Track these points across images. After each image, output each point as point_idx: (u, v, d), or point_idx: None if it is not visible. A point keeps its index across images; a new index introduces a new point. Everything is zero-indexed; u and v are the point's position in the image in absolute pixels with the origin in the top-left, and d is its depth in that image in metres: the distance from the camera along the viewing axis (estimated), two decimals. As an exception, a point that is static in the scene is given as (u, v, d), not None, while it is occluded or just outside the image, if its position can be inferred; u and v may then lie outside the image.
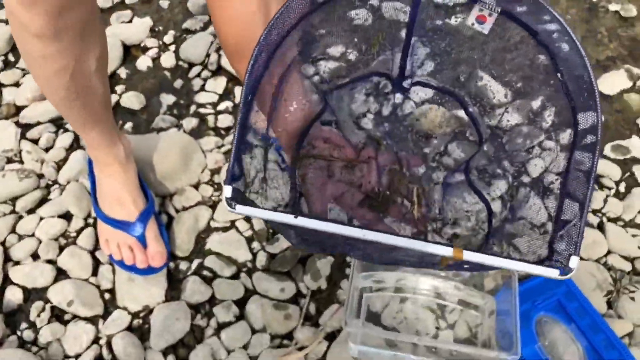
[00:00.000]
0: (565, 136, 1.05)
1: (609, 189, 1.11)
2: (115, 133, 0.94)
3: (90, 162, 1.02)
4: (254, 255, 1.01)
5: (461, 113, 1.09)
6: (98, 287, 0.98)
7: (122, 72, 1.27)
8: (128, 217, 0.96)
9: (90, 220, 1.04)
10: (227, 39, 0.68)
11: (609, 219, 1.06)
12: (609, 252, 1.01)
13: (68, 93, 0.78)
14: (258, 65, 0.62)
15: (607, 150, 1.17)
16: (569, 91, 0.81)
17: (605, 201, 1.08)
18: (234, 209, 0.56)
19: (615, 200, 1.09)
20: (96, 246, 1.02)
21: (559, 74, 0.79)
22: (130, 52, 1.31)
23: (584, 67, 0.70)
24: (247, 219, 1.04)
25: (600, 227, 1.05)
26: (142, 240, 0.96)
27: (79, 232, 1.03)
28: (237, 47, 0.67)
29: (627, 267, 1.00)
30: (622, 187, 1.11)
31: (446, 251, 0.56)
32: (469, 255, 0.57)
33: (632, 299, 0.91)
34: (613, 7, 1.42)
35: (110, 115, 0.91)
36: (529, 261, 0.59)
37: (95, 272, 0.99)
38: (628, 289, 0.92)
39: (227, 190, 0.57)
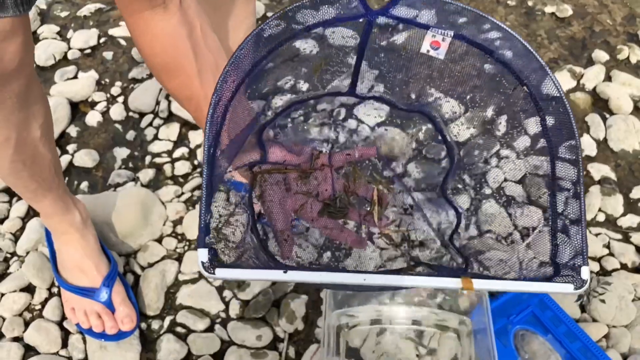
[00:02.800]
0: (522, 142, 1.07)
1: (568, 190, 1.13)
2: (68, 199, 0.91)
3: (47, 230, 1.00)
4: (227, 304, 0.99)
5: (417, 130, 1.10)
6: (70, 358, 0.95)
7: (72, 131, 1.24)
8: (92, 283, 0.94)
9: (55, 290, 1.01)
10: (154, 59, 0.65)
11: (571, 222, 1.08)
12: (575, 255, 1.03)
13: (14, 165, 0.76)
14: (217, 116, 0.60)
15: (562, 151, 1.19)
16: (533, 94, 0.81)
17: (565, 204, 1.10)
18: (214, 273, 0.49)
19: (575, 201, 1.10)
20: (64, 316, 0.99)
21: (517, 80, 0.79)
22: (78, 108, 1.29)
23: (540, 68, 0.71)
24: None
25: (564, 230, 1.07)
26: (109, 305, 0.93)
27: (43, 303, 1.00)
28: (165, 66, 0.65)
29: (595, 267, 1.02)
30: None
31: (455, 283, 0.53)
32: (479, 284, 0.54)
33: (603, 301, 0.93)
34: (549, 9, 1.46)
35: (62, 181, 0.89)
36: (539, 279, 0.59)
37: (65, 344, 0.96)
38: (597, 291, 0.94)
39: (203, 254, 0.50)
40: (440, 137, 0.92)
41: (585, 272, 0.57)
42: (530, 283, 0.57)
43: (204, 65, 0.65)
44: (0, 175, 0.81)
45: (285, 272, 0.50)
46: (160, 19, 0.61)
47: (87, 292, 0.93)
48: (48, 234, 1.00)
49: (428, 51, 0.85)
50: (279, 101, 1.00)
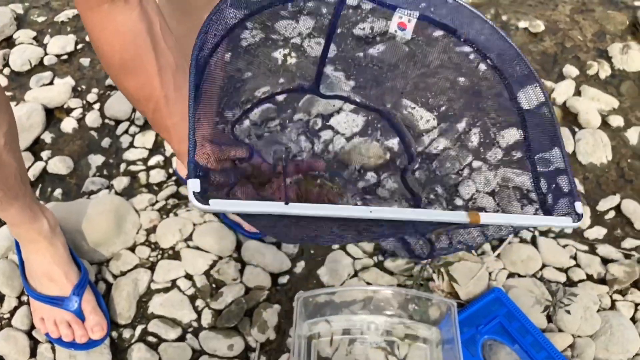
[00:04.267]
0: (495, 154, 1.09)
1: (538, 202, 1.15)
2: (36, 207, 0.90)
3: (16, 239, 0.99)
4: (199, 313, 0.99)
5: (391, 142, 1.11)
6: (38, 368, 0.94)
7: (47, 137, 1.24)
8: (61, 292, 0.93)
9: (24, 298, 1.00)
10: (112, 57, 0.63)
11: (541, 233, 1.11)
12: (543, 266, 1.05)
13: None
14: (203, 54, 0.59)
15: (532, 164, 1.22)
16: (515, 97, 0.83)
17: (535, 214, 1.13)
18: (207, 204, 0.45)
19: (545, 213, 1.13)
20: (33, 325, 0.98)
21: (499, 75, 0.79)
22: (53, 115, 1.28)
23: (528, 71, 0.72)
24: (188, 276, 1.03)
25: (534, 241, 1.09)
26: (79, 314, 0.93)
27: (12, 312, 0.99)
28: (124, 63, 0.63)
29: (562, 277, 1.04)
30: (549, 199, 1.16)
31: (462, 217, 0.53)
32: (486, 218, 0.54)
33: (568, 312, 0.95)
34: (522, 24, 1.49)
35: (29, 189, 0.88)
36: (540, 214, 0.63)
37: (34, 353, 0.95)
38: (563, 302, 0.96)
39: (194, 184, 0.46)
40: (407, 149, 0.93)
41: (579, 207, 0.59)
42: (533, 217, 0.61)
43: (164, 64, 0.63)
44: None
45: (286, 204, 0.46)
46: (119, 12, 0.59)
47: (56, 301, 0.93)
48: (17, 243, 0.99)
49: (395, 31, 0.86)
50: (257, 111, 1.00)
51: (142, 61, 0.62)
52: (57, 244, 0.94)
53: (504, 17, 1.52)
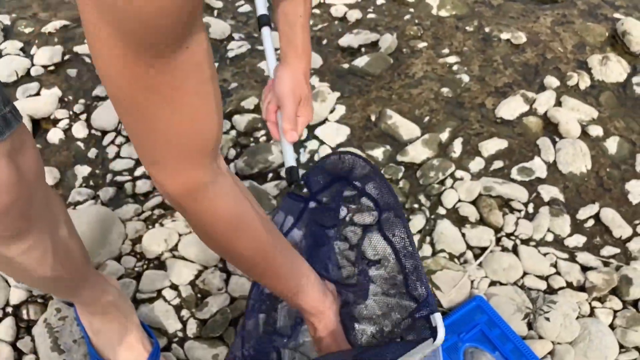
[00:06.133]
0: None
1: (519, 211, 1.18)
2: (102, 280, 0.87)
3: (77, 313, 0.93)
4: (184, 323, 1.00)
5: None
6: (22, 379, 0.94)
7: (33, 148, 1.24)
8: (137, 359, 0.90)
9: (9, 310, 1.00)
10: (217, 224, 0.61)
11: (522, 241, 1.13)
12: (524, 274, 1.07)
13: (55, 272, 0.72)
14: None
15: (514, 173, 1.24)
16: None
17: (516, 224, 1.15)
18: None
19: (525, 221, 1.15)
20: (17, 336, 0.98)
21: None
22: (40, 125, 1.29)
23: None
24: (174, 286, 1.03)
25: (515, 250, 1.11)
26: None
27: (-3, 323, 0.99)
28: (230, 225, 0.62)
29: (543, 285, 1.06)
30: (530, 208, 1.18)
31: None
32: None
33: (547, 319, 0.96)
34: (504, 35, 1.52)
35: (91, 264, 0.85)
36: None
37: (18, 365, 0.95)
38: (543, 310, 0.98)
39: None
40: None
41: (437, 319, 0.63)
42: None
43: (265, 221, 0.64)
44: (40, 288, 0.80)
45: None
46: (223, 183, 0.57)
47: None
48: (77, 317, 0.94)
49: None
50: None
51: (249, 216, 0.61)
52: (129, 310, 0.91)
53: (487, 29, 1.55)
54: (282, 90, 0.83)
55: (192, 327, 0.99)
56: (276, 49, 0.93)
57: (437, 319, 0.62)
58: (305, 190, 0.93)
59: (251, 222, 0.61)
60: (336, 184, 0.90)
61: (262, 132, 1.29)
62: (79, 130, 1.27)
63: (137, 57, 0.40)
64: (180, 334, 0.99)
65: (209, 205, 0.56)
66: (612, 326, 1.01)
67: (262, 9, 0.92)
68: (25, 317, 0.99)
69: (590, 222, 1.17)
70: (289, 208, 0.93)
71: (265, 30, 0.93)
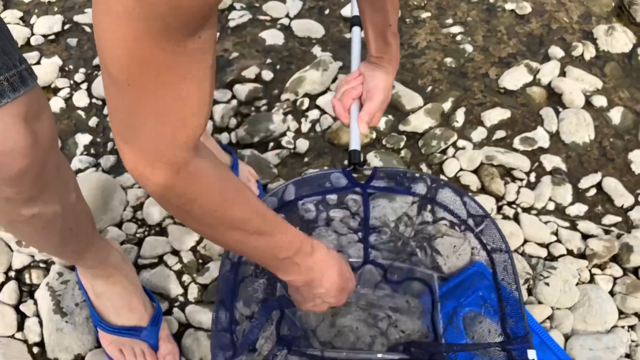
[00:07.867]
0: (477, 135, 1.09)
1: (521, 180, 1.17)
2: (106, 243, 0.89)
3: (78, 277, 0.95)
4: (185, 288, 1.01)
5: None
6: (25, 341, 0.95)
7: (33, 116, 1.24)
8: (139, 322, 0.91)
9: (12, 274, 1.01)
10: (212, 199, 0.58)
11: (523, 209, 1.12)
12: (525, 242, 1.07)
13: (63, 235, 0.74)
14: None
15: (516, 143, 1.24)
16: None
17: (518, 192, 1.14)
18: None
19: (527, 190, 1.15)
20: (20, 299, 0.99)
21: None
22: (40, 94, 1.28)
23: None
24: (175, 252, 1.04)
25: (516, 218, 1.11)
26: (155, 344, 0.91)
27: (0, 287, 1.00)
28: (223, 198, 0.59)
29: (543, 253, 1.06)
30: (532, 177, 1.18)
31: None
32: None
33: (547, 284, 0.97)
34: (509, 6, 1.50)
35: (96, 229, 0.87)
36: None
37: (21, 327, 0.96)
38: (542, 275, 0.98)
39: None
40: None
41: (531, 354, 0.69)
42: None
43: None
44: (48, 251, 0.81)
45: None
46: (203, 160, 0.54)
47: (134, 332, 0.90)
48: (80, 281, 0.95)
49: None
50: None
51: (238, 187, 0.59)
52: (131, 274, 0.92)
53: (491, 0, 1.53)
54: (376, 85, 0.83)
55: (193, 292, 1.00)
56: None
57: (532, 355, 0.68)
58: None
59: (237, 182, 0.60)
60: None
61: (263, 101, 1.29)
62: (80, 99, 1.27)
63: (152, 41, 0.41)
64: (181, 299, 1.00)
65: (195, 176, 0.53)
66: (611, 293, 1.01)
67: (357, 10, 0.93)
68: (27, 281, 1.00)
69: (592, 191, 1.17)
70: (337, 182, 0.91)
71: (356, 29, 0.94)
